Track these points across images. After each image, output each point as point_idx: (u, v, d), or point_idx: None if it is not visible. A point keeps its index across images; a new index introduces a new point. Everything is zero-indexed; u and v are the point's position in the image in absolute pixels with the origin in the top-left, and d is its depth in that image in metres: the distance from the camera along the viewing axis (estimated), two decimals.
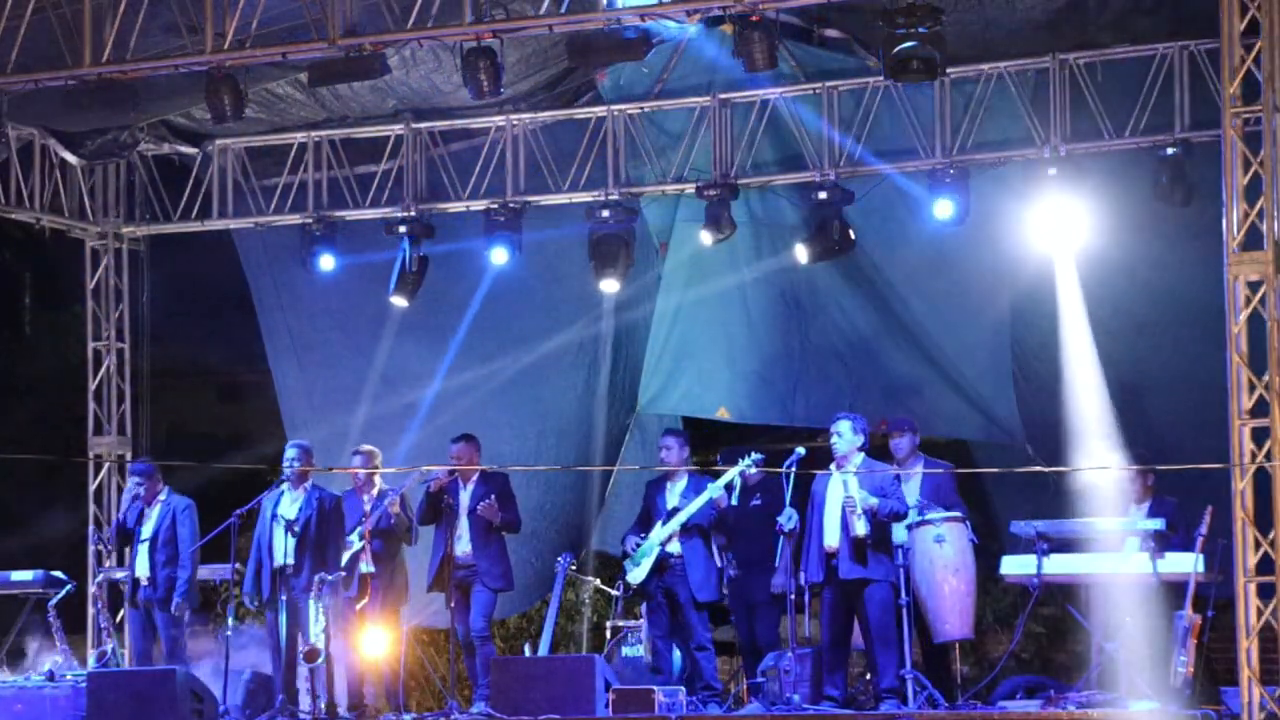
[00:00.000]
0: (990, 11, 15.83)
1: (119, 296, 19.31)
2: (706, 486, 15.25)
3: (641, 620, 16.23)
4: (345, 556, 15.59)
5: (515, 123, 17.78)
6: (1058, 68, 16.23)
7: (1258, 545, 13.48)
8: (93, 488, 19.10)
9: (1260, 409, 13.54)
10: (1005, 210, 16.63)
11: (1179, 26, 15.77)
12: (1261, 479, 13.52)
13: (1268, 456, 13.46)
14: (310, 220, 18.27)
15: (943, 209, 16.57)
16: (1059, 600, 14.98)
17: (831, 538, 14.65)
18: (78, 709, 15.19)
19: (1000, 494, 17.28)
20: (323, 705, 14.99)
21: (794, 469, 14.91)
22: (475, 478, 15.68)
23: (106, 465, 18.90)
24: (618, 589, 17.33)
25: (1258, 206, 13.63)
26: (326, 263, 18.18)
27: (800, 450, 15.08)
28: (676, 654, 15.63)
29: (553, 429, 18.63)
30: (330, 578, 15.28)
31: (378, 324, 18.51)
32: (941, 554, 14.89)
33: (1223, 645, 14.37)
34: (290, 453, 15.68)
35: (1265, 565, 13.47)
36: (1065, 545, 14.79)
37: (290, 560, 15.33)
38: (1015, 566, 14.76)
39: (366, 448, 16.22)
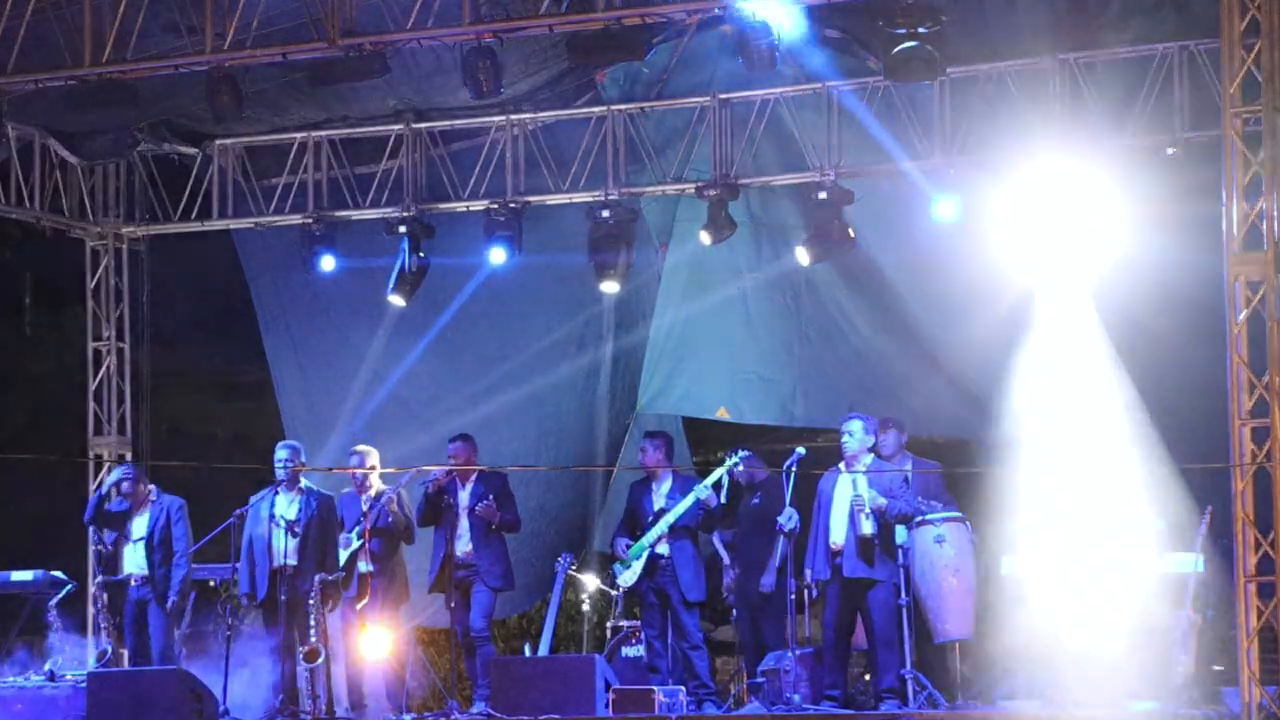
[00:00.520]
0: (990, 11, 15.83)
1: (119, 296, 19.31)
2: (693, 487, 15.23)
3: (641, 620, 16.22)
4: (344, 556, 15.60)
5: (515, 123, 17.78)
6: (1058, 68, 16.23)
7: (1258, 545, 13.49)
8: (93, 488, 19.08)
9: (1260, 409, 13.55)
10: (1005, 210, 16.61)
11: (1179, 26, 15.77)
12: (1261, 479, 13.52)
13: (1268, 456, 13.46)
14: (310, 220, 18.27)
15: (945, 209, 16.58)
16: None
17: (838, 536, 14.66)
18: (78, 709, 15.18)
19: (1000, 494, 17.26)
20: (323, 705, 14.99)
21: (794, 469, 14.91)
22: (474, 477, 15.68)
23: (106, 465, 18.89)
24: (617, 589, 17.35)
25: (1258, 206, 13.63)
26: (326, 263, 18.18)
27: (800, 450, 15.08)
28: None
29: (553, 429, 18.63)
30: (330, 578, 15.29)
31: (378, 324, 18.51)
32: (941, 554, 14.90)
33: (1223, 645, 14.37)
34: (281, 454, 15.63)
35: (1265, 565, 13.47)
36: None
37: (292, 561, 15.34)
38: (1015, 566, 14.76)
39: (364, 448, 16.22)
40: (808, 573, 14.84)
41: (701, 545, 15.85)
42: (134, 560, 16.04)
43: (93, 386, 19.29)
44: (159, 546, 15.89)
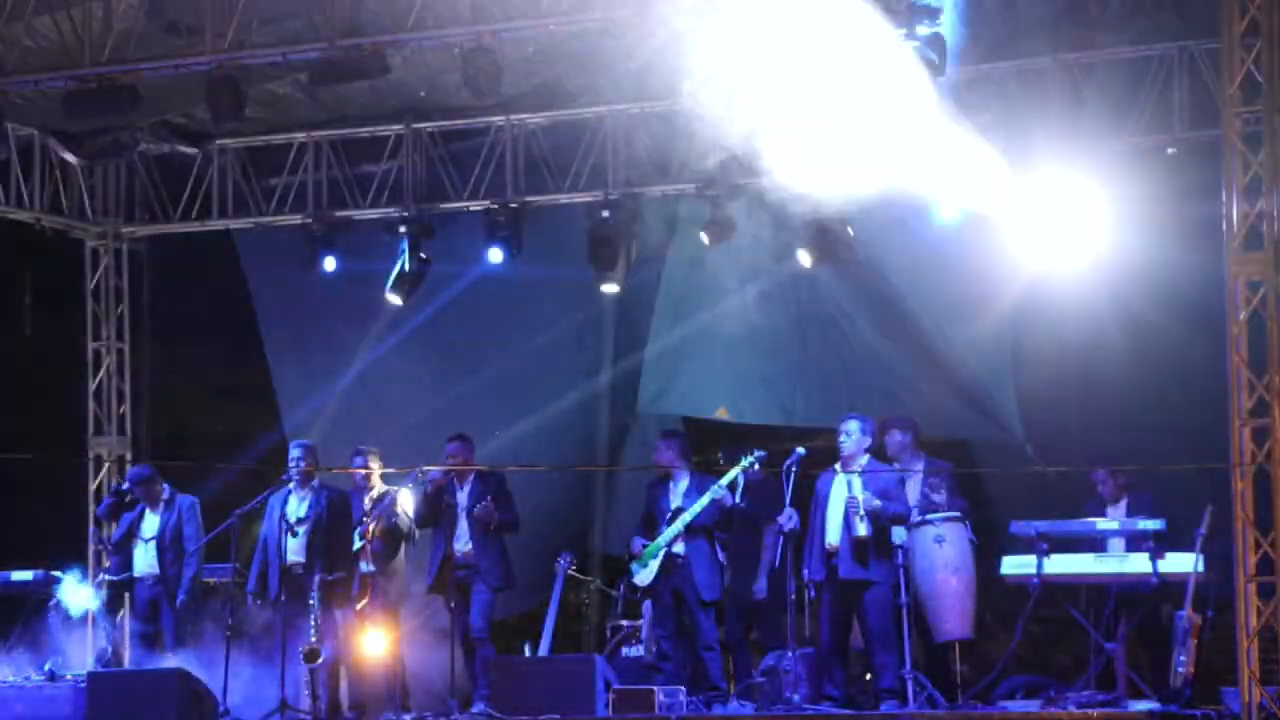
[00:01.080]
0: (990, 11, 15.82)
1: (119, 296, 19.31)
2: (709, 487, 15.23)
3: (642, 620, 16.23)
4: None
5: (515, 123, 17.78)
6: (1058, 68, 16.22)
7: (1258, 546, 13.48)
8: (93, 488, 19.09)
9: (1260, 409, 13.54)
10: (1005, 210, 16.60)
11: (1179, 27, 15.77)
12: (1261, 479, 13.52)
13: (1268, 456, 13.46)
14: (310, 220, 18.28)
15: (948, 211, 16.57)
16: (1059, 600, 14.97)
17: (833, 537, 14.66)
18: (78, 709, 15.18)
19: (1000, 494, 17.29)
20: (323, 705, 14.99)
21: (794, 469, 14.90)
22: (471, 477, 15.66)
23: (106, 465, 18.90)
24: (617, 589, 17.34)
25: (1258, 206, 13.63)
26: (326, 263, 18.19)
27: (800, 450, 15.07)
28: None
29: (553, 429, 18.62)
30: (330, 578, 15.30)
31: (378, 324, 18.52)
32: (941, 554, 14.90)
33: (1223, 645, 14.37)
34: (295, 452, 15.72)
35: (1265, 565, 13.47)
36: (1065, 545, 14.80)
37: (299, 559, 15.37)
38: (1015, 566, 14.75)
39: (367, 448, 16.22)
40: (805, 573, 14.83)
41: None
42: (145, 560, 16.08)
43: (93, 386, 19.30)
44: (170, 546, 15.93)
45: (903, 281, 17.67)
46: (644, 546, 15.34)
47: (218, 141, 18.46)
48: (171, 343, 19.57)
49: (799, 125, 14.02)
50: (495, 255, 17.78)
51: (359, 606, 15.51)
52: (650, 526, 15.45)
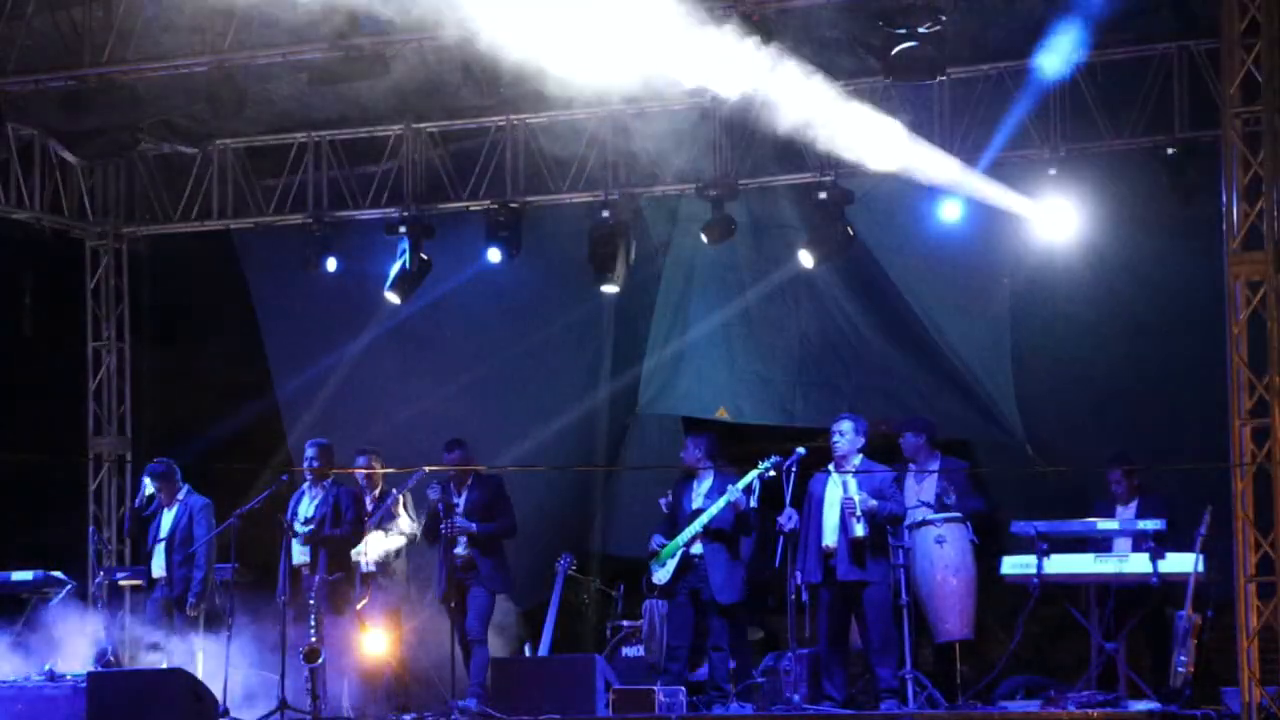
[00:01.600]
0: (990, 11, 15.83)
1: (119, 296, 19.32)
2: (728, 489, 15.20)
3: (642, 620, 16.22)
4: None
5: (515, 123, 17.78)
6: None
7: (1258, 546, 13.48)
8: (93, 488, 19.10)
9: (1260, 409, 13.54)
10: (1005, 210, 16.62)
11: (1179, 26, 15.77)
12: (1261, 479, 13.52)
13: (1268, 456, 13.46)
14: (310, 220, 18.28)
15: (950, 211, 16.58)
16: (1059, 600, 14.98)
17: (830, 538, 14.66)
18: (78, 709, 15.18)
19: (1000, 494, 17.29)
20: (323, 705, 14.99)
21: (794, 469, 14.89)
22: (469, 482, 15.64)
23: (106, 465, 18.90)
24: (617, 589, 17.35)
25: (1258, 206, 13.63)
26: (327, 263, 18.20)
27: (800, 450, 15.07)
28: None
29: (553, 429, 18.62)
30: (330, 578, 15.31)
31: (378, 324, 18.52)
32: (941, 554, 14.91)
33: (1223, 645, 14.37)
34: (309, 451, 15.76)
35: (1265, 566, 13.47)
36: (1065, 545, 14.80)
37: (305, 559, 15.40)
38: (1015, 566, 14.75)
39: (370, 449, 16.23)
40: (799, 575, 14.82)
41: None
42: (159, 562, 16.07)
43: (93, 386, 19.30)
44: (180, 547, 15.93)
45: (903, 281, 17.68)
46: (662, 545, 15.31)
47: (218, 141, 18.46)
48: (171, 343, 19.57)
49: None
50: (495, 255, 17.79)
51: (359, 606, 15.51)
52: (672, 525, 15.42)
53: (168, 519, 16.09)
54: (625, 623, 16.75)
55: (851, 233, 17.05)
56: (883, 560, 14.63)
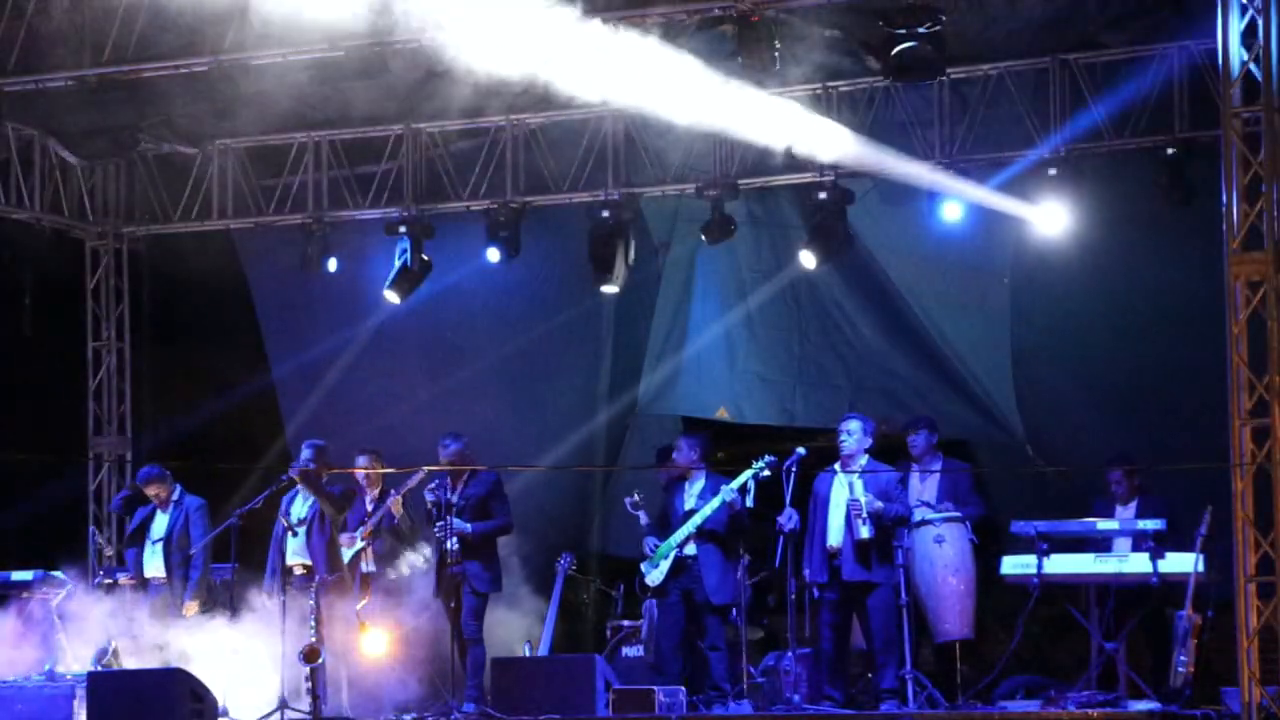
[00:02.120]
0: (990, 11, 15.84)
1: (119, 296, 19.32)
2: (722, 489, 15.18)
3: (642, 621, 16.22)
4: (347, 556, 15.61)
5: (515, 122, 17.78)
6: (1058, 68, 16.23)
7: (1258, 546, 13.47)
8: (93, 488, 19.10)
9: (1260, 409, 13.53)
10: (1004, 211, 16.62)
11: (1179, 26, 15.77)
12: (1261, 479, 13.51)
13: (1268, 456, 13.45)
14: (310, 220, 18.28)
15: (951, 211, 16.58)
16: (1059, 600, 14.98)
17: (835, 538, 14.65)
18: (78, 709, 15.17)
19: (1000, 494, 17.29)
20: (322, 705, 14.98)
21: (794, 469, 14.89)
22: (464, 478, 15.58)
23: (106, 465, 18.90)
24: (617, 590, 17.34)
25: (1258, 206, 13.63)
26: (327, 263, 18.20)
27: (800, 450, 15.07)
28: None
29: (553, 429, 18.62)
30: (330, 578, 15.30)
31: (377, 324, 18.53)
32: (941, 554, 14.90)
33: (1223, 645, 14.36)
34: (305, 453, 15.75)
35: (1265, 566, 13.46)
36: (1066, 545, 14.80)
37: (299, 559, 15.39)
38: (1015, 566, 14.75)
39: (370, 449, 16.22)
40: (806, 574, 14.82)
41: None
42: (153, 562, 16.11)
43: (93, 386, 19.31)
44: (177, 548, 15.96)
45: (903, 281, 17.69)
46: (656, 547, 15.30)
47: (218, 141, 18.46)
48: (171, 343, 19.57)
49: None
50: (494, 255, 17.79)
51: (359, 606, 15.50)
52: (664, 527, 15.40)
53: (163, 521, 16.11)
54: (625, 623, 16.75)
55: (851, 233, 17.05)
56: (888, 562, 14.62)
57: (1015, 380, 17.49)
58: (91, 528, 18.75)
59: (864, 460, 14.80)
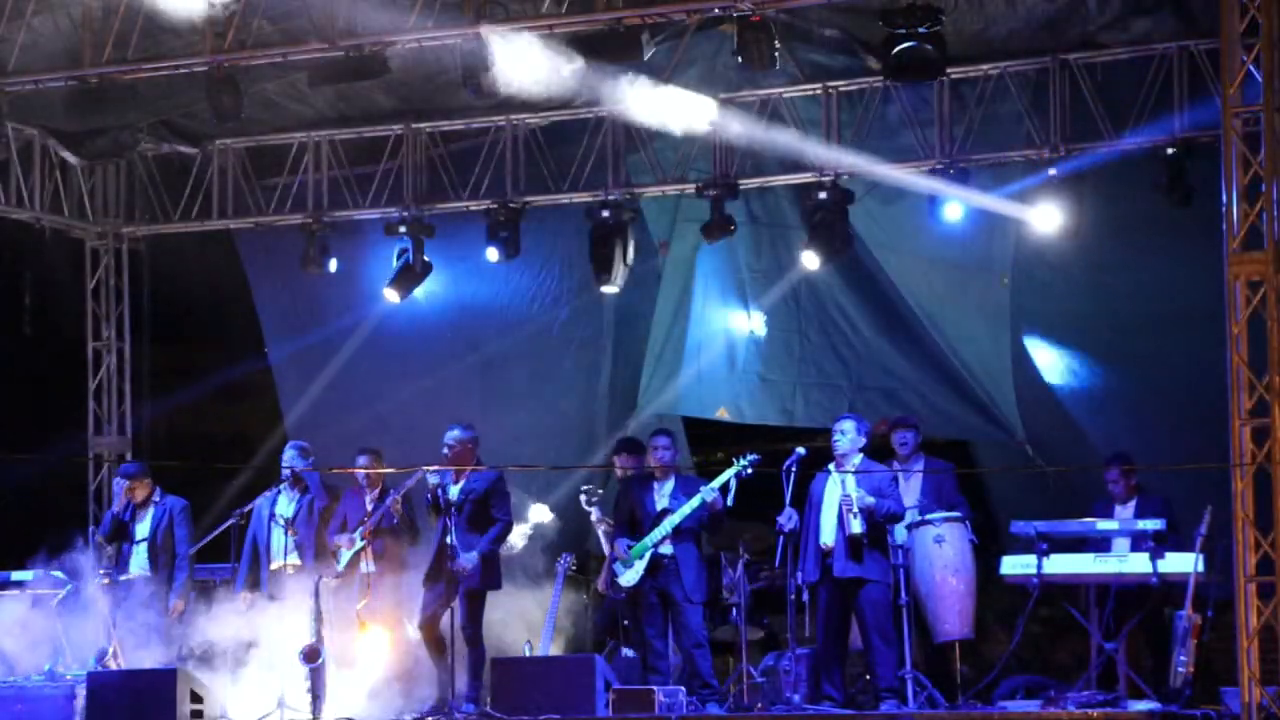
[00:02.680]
0: (990, 11, 15.84)
1: (119, 296, 19.31)
2: (699, 488, 15.14)
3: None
4: (346, 556, 15.60)
5: (515, 123, 17.78)
6: (1058, 68, 16.23)
7: (1258, 546, 13.47)
8: (93, 488, 19.10)
9: (1260, 409, 13.53)
10: (1008, 209, 16.63)
11: (1179, 26, 15.78)
12: (1261, 479, 13.51)
13: (1268, 456, 13.45)
14: (310, 220, 18.29)
15: (952, 212, 16.58)
16: (1059, 600, 14.98)
17: (828, 536, 14.64)
18: (78, 709, 15.17)
19: (1000, 494, 17.29)
20: (322, 705, 14.98)
21: (794, 469, 14.88)
22: (466, 472, 15.51)
23: (106, 465, 18.90)
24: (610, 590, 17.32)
25: (1258, 206, 13.63)
26: (328, 264, 18.20)
27: (800, 450, 15.06)
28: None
29: (553, 429, 18.62)
30: (330, 578, 15.30)
31: (377, 323, 18.53)
32: (941, 554, 14.90)
33: (1223, 645, 14.37)
34: (288, 453, 15.72)
35: (1265, 566, 13.46)
36: (1065, 545, 14.80)
37: (289, 560, 15.38)
38: (1015, 566, 14.75)
39: (370, 448, 16.21)
40: (799, 575, 14.81)
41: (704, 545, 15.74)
42: (139, 562, 16.10)
43: (93, 386, 19.30)
44: (162, 548, 15.94)
45: (903, 281, 17.69)
46: (629, 548, 15.24)
47: (218, 141, 18.47)
48: (171, 343, 19.58)
49: None
50: (494, 255, 17.79)
51: (359, 606, 15.49)
52: (633, 527, 15.34)
53: (146, 520, 16.10)
54: (625, 623, 16.73)
55: (851, 233, 17.05)
56: (881, 558, 14.60)
57: (1015, 380, 17.49)
58: (91, 527, 18.72)
59: (858, 460, 14.78)
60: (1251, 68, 13.70)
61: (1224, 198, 13.74)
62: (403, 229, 17.89)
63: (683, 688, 14.92)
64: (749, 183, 17.35)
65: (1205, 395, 14.68)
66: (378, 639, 15.60)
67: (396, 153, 18.12)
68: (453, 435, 15.31)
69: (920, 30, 14.76)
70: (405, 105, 17.75)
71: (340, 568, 15.54)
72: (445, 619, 15.07)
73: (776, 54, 15.13)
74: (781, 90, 17.09)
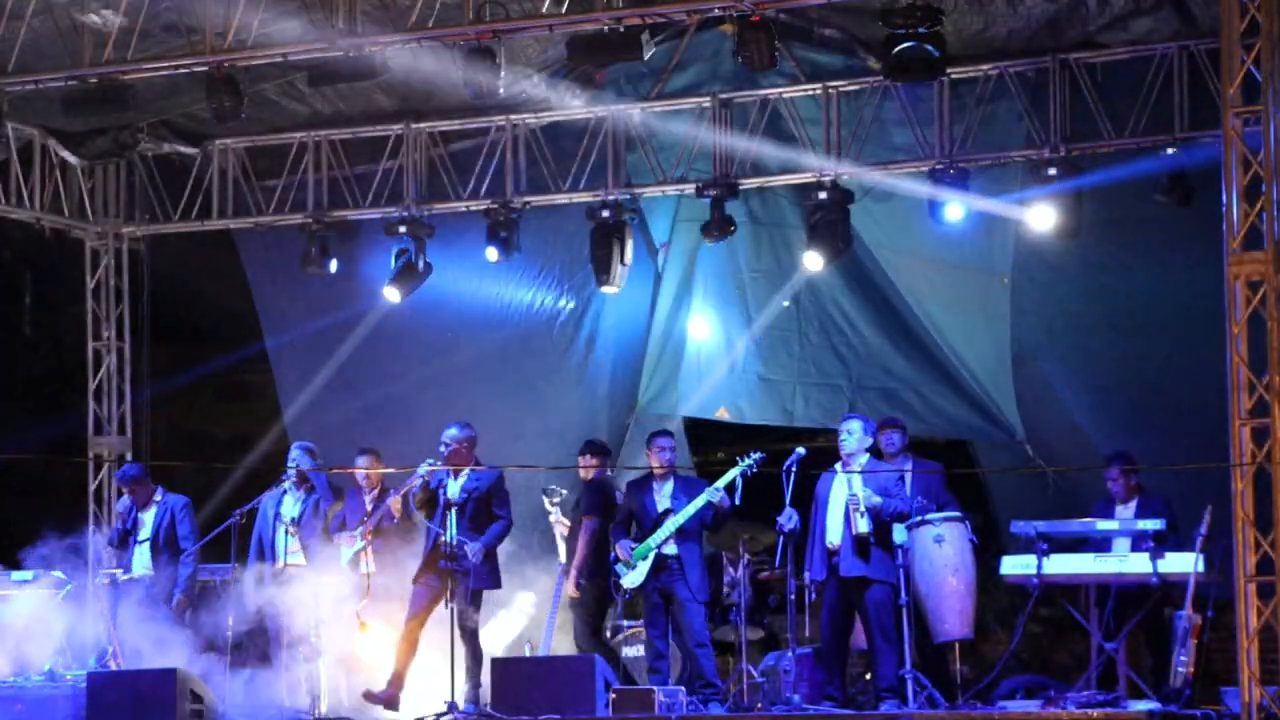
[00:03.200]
0: (990, 11, 15.85)
1: (119, 296, 19.31)
2: (699, 489, 15.13)
3: (643, 620, 16.18)
4: (347, 556, 15.60)
5: (515, 123, 17.79)
6: (1058, 68, 16.23)
7: (1258, 546, 13.47)
8: (93, 488, 19.10)
9: (1260, 409, 13.53)
10: (1005, 211, 16.63)
11: (1179, 26, 15.78)
12: (1261, 479, 13.51)
13: (1268, 456, 13.45)
14: (310, 220, 18.29)
15: (953, 212, 16.58)
16: (1059, 600, 14.98)
17: (834, 535, 14.64)
18: (78, 709, 15.18)
19: (1000, 494, 17.30)
20: (322, 705, 14.98)
21: (794, 469, 14.88)
22: (467, 471, 15.49)
23: (106, 465, 18.90)
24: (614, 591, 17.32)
25: (1258, 206, 13.63)
26: (328, 264, 18.21)
27: (800, 450, 15.05)
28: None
29: (553, 429, 18.62)
30: (330, 578, 15.30)
31: (377, 323, 18.52)
32: (941, 554, 14.89)
33: (1223, 645, 14.37)
34: (293, 453, 15.72)
35: (1265, 566, 13.46)
36: (1065, 545, 14.80)
37: (294, 560, 15.39)
38: (1015, 566, 14.75)
39: (370, 448, 16.22)
40: (806, 574, 14.82)
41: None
42: (141, 561, 16.13)
43: (93, 386, 19.30)
44: (165, 546, 15.97)
45: (903, 281, 17.70)
46: (631, 549, 15.22)
47: (218, 141, 18.47)
48: (171, 343, 19.58)
49: None
50: (494, 255, 17.79)
51: (359, 606, 15.49)
52: (633, 527, 15.33)
53: (148, 519, 16.12)
54: (625, 623, 16.74)
55: (851, 234, 17.05)
56: (887, 558, 14.59)
57: (1015, 380, 17.50)
58: (91, 527, 18.73)
59: (864, 459, 14.78)
60: (1251, 68, 13.70)
61: (1224, 198, 13.74)
62: (403, 229, 17.89)
63: (683, 688, 14.92)
64: (749, 183, 17.35)
65: (1205, 395, 14.68)
66: (378, 638, 15.60)
67: (396, 153, 18.12)
68: (451, 434, 15.30)
69: (920, 30, 14.76)
70: (405, 105, 17.75)
71: (342, 565, 15.56)
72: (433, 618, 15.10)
73: (776, 54, 15.13)
74: (781, 90, 17.10)
